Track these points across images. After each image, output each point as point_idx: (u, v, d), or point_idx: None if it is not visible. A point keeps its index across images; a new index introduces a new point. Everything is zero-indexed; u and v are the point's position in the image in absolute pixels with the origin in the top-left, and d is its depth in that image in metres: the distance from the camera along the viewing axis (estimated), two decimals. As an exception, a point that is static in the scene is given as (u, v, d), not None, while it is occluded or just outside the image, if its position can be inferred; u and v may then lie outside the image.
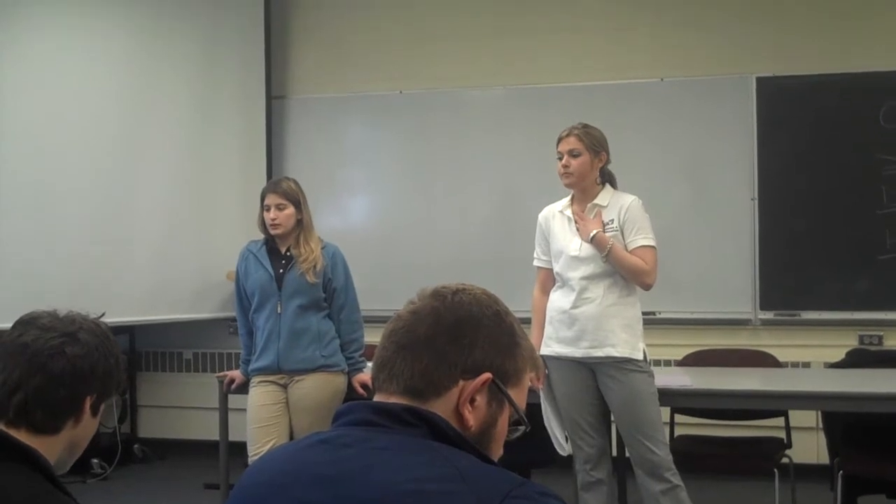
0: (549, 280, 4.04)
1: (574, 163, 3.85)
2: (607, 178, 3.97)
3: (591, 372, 3.89)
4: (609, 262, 3.82)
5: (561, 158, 3.88)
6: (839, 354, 4.87)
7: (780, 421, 4.61)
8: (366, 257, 5.57)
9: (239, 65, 6.21)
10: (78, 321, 1.76)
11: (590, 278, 3.85)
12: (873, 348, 5.41)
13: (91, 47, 5.70)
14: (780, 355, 4.98)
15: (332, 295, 4.27)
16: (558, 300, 3.94)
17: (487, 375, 1.34)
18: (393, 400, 1.35)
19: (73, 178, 5.53)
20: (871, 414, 4.06)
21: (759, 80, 5.73)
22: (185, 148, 5.99)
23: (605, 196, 3.92)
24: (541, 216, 4.07)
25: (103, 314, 1.85)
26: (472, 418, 1.34)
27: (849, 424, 4.28)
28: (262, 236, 4.33)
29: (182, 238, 5.93)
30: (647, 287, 3.89)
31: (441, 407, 1.33)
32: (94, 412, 1.75)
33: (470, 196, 6.14)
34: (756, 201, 5.71)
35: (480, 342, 1.35)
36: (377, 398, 1.38)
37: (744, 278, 5.72)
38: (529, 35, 6.06)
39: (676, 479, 3.81)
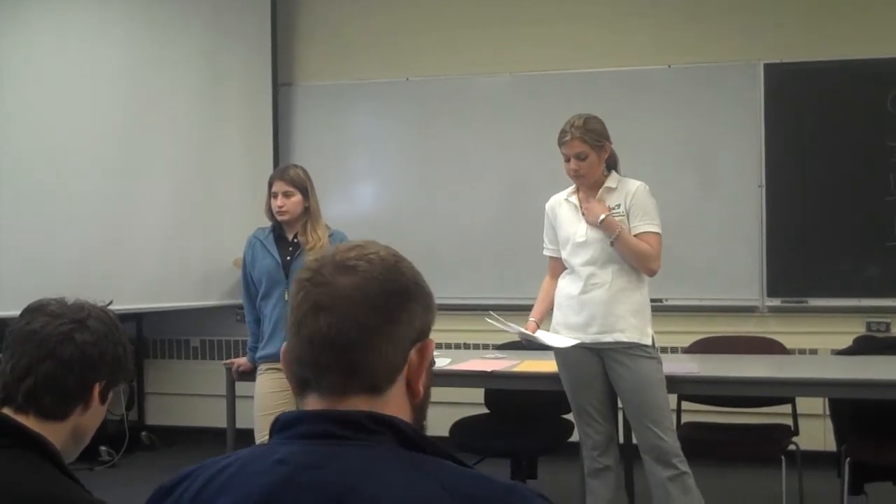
0: (558, 268, 4.04)
1: (583, 166, 3.83)
2: (612, 164, 3.95)
3: (599, 358, 3.88)
4: (615, 246, 3.82)
5: (568, 161, 3.87)
6: (846, 341, 4.85)
7: (788, 408, 4.60)
8: (373, 245, 5.55)
9: (245, 52, 6.19)
10: (86, 308, 1.76)
11: (597, 264, 3.84)
12: (881, 335, 5.39)
13: (96, 37, 5.70)
14: (788, 342, 4.97)
15: (340, 282, 4.26)
16: (567, 286, 3.94)
17: (428, 341, 1.29)
18: (347, 403, 1.24)
19: (80, 167, 5.54)
20: (878, 401, 4.05)
21: (766, 66, 5.70)
22: (191, 136, 5.99)
23: (612, 181, 3.91)
24: (547, 205, 4.06)
25: (111, 302, 1.86)
26: (420, 386, 1.29)
27: (856, 411, 4.27)
28: (269, 223, 4.33)
29: (189, 225, 5.93)
30: (651, 273, 3.88)
31: (396, 392, 1.27)
32: (103, 399, 1.76)
33: (476, 183, 6.12)
34: (763, 188, 5.69)
35: (412, 310, 1.28)
36: (316, 402, 1.26)
37: (751, 265, 5.71)
38: (536, 22, 6.03)
39: (684, 466, 3.81)
